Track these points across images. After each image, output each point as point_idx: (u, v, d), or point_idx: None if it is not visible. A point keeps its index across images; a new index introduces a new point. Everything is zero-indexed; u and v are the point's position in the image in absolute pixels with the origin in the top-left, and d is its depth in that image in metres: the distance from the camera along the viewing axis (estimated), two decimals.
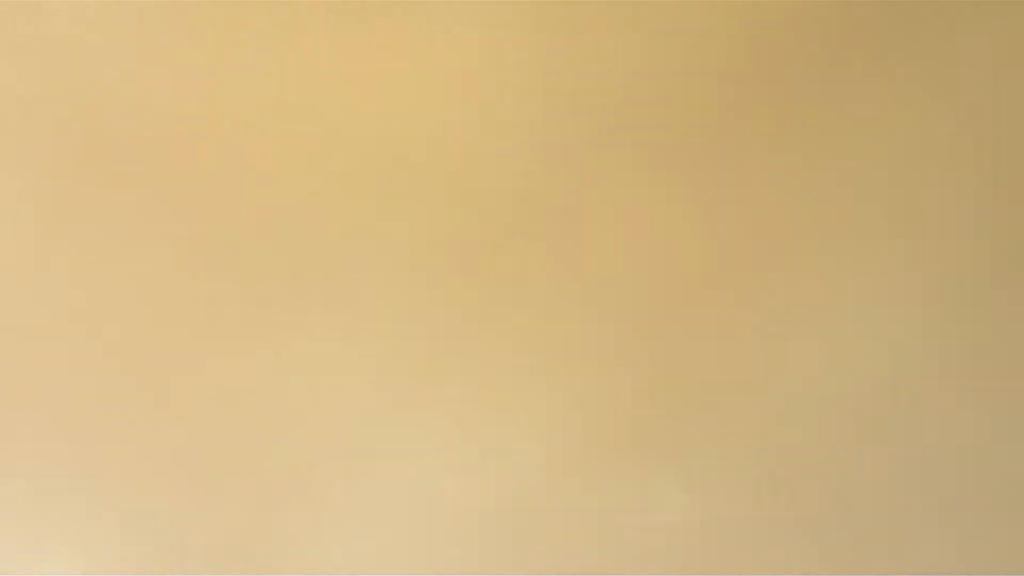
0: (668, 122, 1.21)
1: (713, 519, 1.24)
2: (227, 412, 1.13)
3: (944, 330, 1.23)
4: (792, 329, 1.24)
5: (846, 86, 1.22)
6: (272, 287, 1.13)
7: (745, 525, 1.24)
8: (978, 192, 1.23)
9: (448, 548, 1.18)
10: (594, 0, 1.18)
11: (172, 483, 1.12)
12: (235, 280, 1.12)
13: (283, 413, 1.14)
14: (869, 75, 1.23)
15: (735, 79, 1.22)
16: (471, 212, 1.17)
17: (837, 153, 1.23)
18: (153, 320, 1.11)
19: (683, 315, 1.22)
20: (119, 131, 1.09)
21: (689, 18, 1.20)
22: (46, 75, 1.07)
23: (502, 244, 1.18)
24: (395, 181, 1.15)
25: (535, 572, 1.20)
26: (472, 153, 1.16)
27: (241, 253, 1.12)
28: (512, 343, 1.18)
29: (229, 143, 1.11)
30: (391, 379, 1.16)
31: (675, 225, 1.22)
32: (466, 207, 1.16)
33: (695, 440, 1.23)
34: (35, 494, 1.09)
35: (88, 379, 1.10)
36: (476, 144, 1.16)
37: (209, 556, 1.13)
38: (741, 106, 1.22)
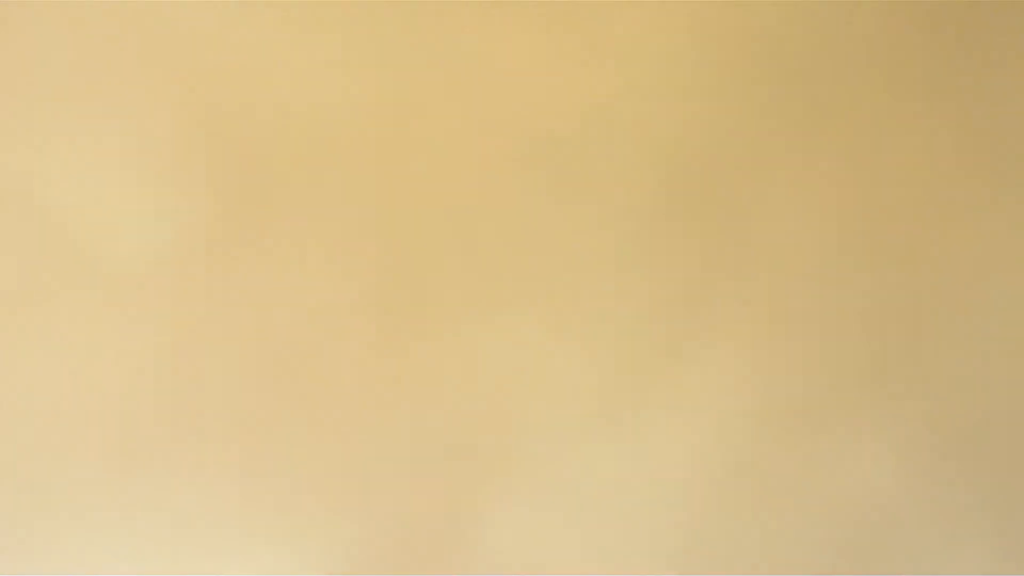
0: (821, 87, 1.20)
1: (916, 483, 1.22)
2: (443, 397, 1.13)
3: None
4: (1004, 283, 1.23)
5: None
6: (459, 273, 1.13)
7: (944, 487, 1.23)
8: None
9: (665, 516, 1.18)
10: None
11: (396, 470, 1.12)
12: (434, 269, 1.12)
13: (496, 396, 1.14)
14: None
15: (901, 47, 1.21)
16: (662, 190, 1.16)
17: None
18: (369, 311, 1.11)
19: (876, 276, 1.21)
20: (297, 130, 1.09)
21: None
22: (201, 85, 1.08)
23: (697, 213, 1.17)
24: (588, 159, 1.15)
25: (751, 534, 1.19)
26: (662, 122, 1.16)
27: (443, 241, 1.12)
28: (714, 313, 1.17)
29: (411, 132, 1.11)
30: (601, 357, 1.16)
31: (846, 184, 1.21)
32: (656, 183, 1.16)
33: (899, 405, 1.22)
34: (271, 493, 1.10)
35: (298, 377, 1.10)
36: (664, 114, 1.16)
37: (430, 541, 1.13)
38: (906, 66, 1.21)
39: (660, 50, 1.16)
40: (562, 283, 1.15)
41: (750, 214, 1.19)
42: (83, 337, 1.06)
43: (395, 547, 1.13)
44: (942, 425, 1.24)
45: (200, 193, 1.07)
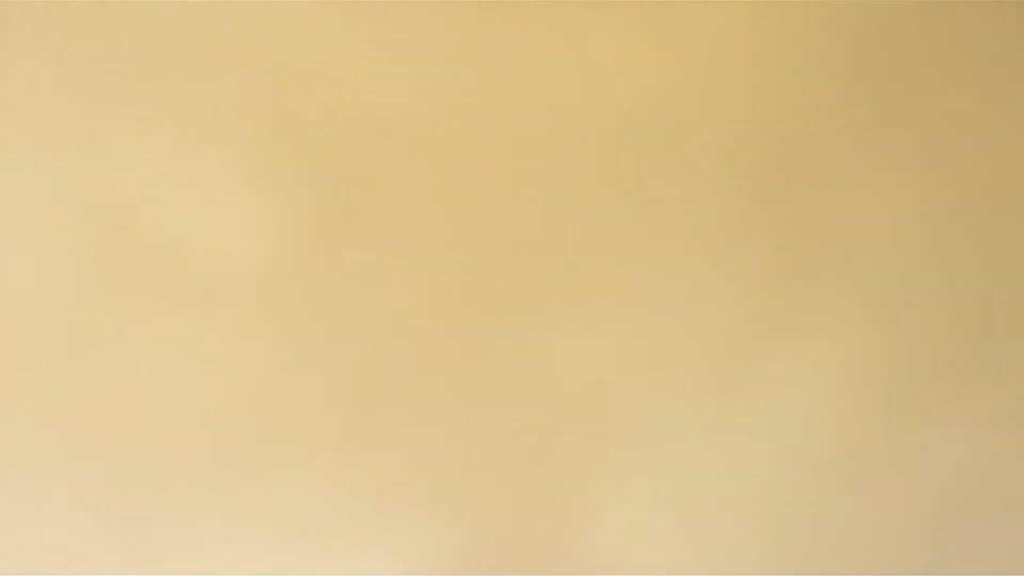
0: (898, 77, 1.19)
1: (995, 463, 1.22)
2: (538, 395, 1.13)
3: None
4: None
5: None
6: (545, 270, 1.13)
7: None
8: None
9: (758, 509, 1.17)
10: None
11: (492, 470, 1.12)
12: (521, 267, 1.12)
13: (587, 391, 1.14)
14: None
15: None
16: (742, 182, 1.16)
17: None
18: (462, 309, 1.11)
19: (963, 263, 1.20)
20: (388, 132, 1.09)
21: None
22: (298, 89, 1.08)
23: (779, 203, 1.17)
24: (664, 153, 1.14)
25: (844, 526, 1.18)
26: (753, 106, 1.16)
27: (526, 239, 1.12)
28: (798, 305, 1.17)
29: (491, 132, 1.11)
30: (687, 350, 1.16)
31: (930, 170, 1.20)
32: (736, 174, 1.16)
33: (991, 392, 1.21)
34: (376, 494, 1.10)
35: (382, 376, 1.11)
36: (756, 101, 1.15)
37: (530, 540, 1.13)
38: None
39: (745, 38, 1.15)
40: (644, 277, 1.15)
41: (833, 204, 1.18)
42: (188, 344, 1.06)
43: (496, 546, 1.13)
44: None
45: (296, 199, 1.07)
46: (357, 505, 1.11)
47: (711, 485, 1.17)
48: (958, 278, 1.21)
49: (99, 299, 1.04)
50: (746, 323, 1.17)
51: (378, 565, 1.11)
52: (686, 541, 1.17)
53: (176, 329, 1.06)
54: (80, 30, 1.02)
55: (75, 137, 1.03)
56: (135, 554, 1.07)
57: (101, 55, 1.03)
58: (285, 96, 1.06)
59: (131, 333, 1.05)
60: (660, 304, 1.15)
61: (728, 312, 1.16)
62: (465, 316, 1.11)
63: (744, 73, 1.15)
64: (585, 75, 1.12)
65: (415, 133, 1.09)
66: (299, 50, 1.06)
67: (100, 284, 1.04)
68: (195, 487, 1.07)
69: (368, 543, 1.11)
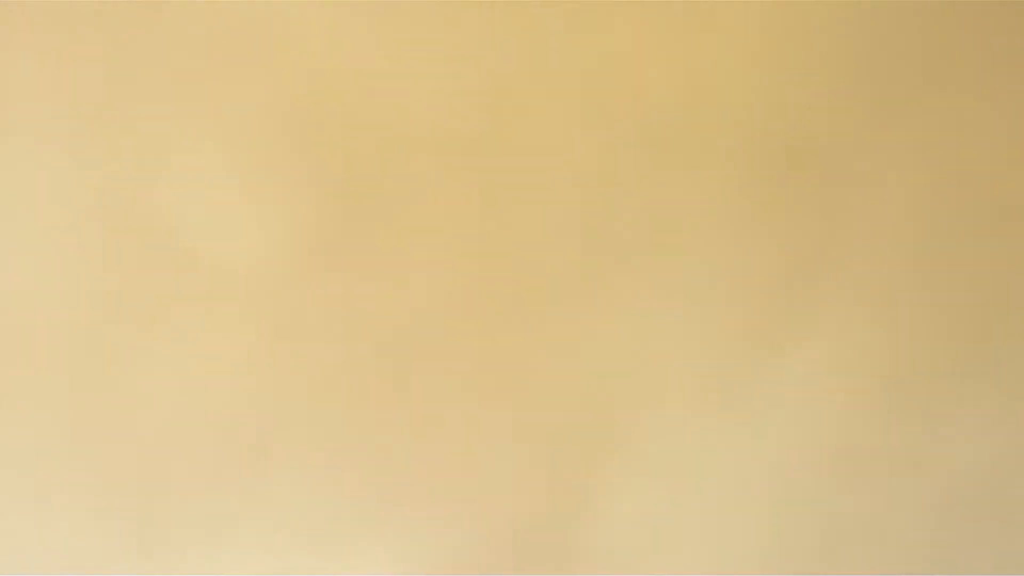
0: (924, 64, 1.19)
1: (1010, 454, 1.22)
2: (551, 387, 1.13)
3: None
4: None
5: None
6: (562, 259, 1.13)
7: None
8: None
9: (755, 509, 1.17)
10: None
11: (507, 464, 1.12)
12: (536, 257, 1.12)
13: (606, 382, 1.14)
14: None
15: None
16: (766, 171, 1.16)
17: None
18: (474, 302, 1.11)
19: (979, 254, 1.20)
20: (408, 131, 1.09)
21: None
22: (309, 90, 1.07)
23: (802, 191, 1.16)
24: (688, 141, 1.14)
25: (864, 513, 1.18)
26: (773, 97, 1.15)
27: (543, 229, 1.12)
28: (822, 291, 1.17)
29: (509, 120, 1.11)
30: (708, 339, 1.15)
31: (948, 163, 1.20)
32: (760, 163, 1.15)
33: (1011, 382, 1.21)
34: (381, 492, 1.10)
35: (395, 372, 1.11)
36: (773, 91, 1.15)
37: (542, 535, 1.13)
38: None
39: (759, 31, 1.15)
40: (665, 265, 1.14)
41: (835, 204, 1.18)
42: (190, 343, 1.06)
43: (498, 546, 1.13)
44: None
45: (299, 199, 1.07)
46: (360, 505, 1.10)
47: (713, 485, 1.17)
48: (959, 278, 1.21)
49: (100, 298, 1.04)
50: (750, 322, 1.17)
51: (381, 565, 1.11)
52: (689, 541, 1.17)
53: (178, 329, 1.06)
54: (81, 30, 1.02)
55: (76, 137, 1.02)
56: (136, 553, 1.07)
57: (101, 55, 1.02)
58: (288, 95, 1.06)
59: (132, 333, 1.05)
60: (665, 304, 1.15)
61: (732, 312, 1.16)
62: (468, 316, 1.11)
63: (747, 73, 1.15)
64: (589, 74, 1.12)
65: (419, 132, 1.09)
66: (301, 49, 1.06)
67: (101, 283, 1.04)
68: (196, 486, 1.07)
69: (372, 543, 1.11)
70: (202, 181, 1.05)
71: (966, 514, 1.23)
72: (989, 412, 1.22)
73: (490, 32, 1.10)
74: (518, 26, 1.10)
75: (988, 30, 1.19)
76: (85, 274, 1.03)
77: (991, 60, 1.20)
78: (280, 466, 1.09)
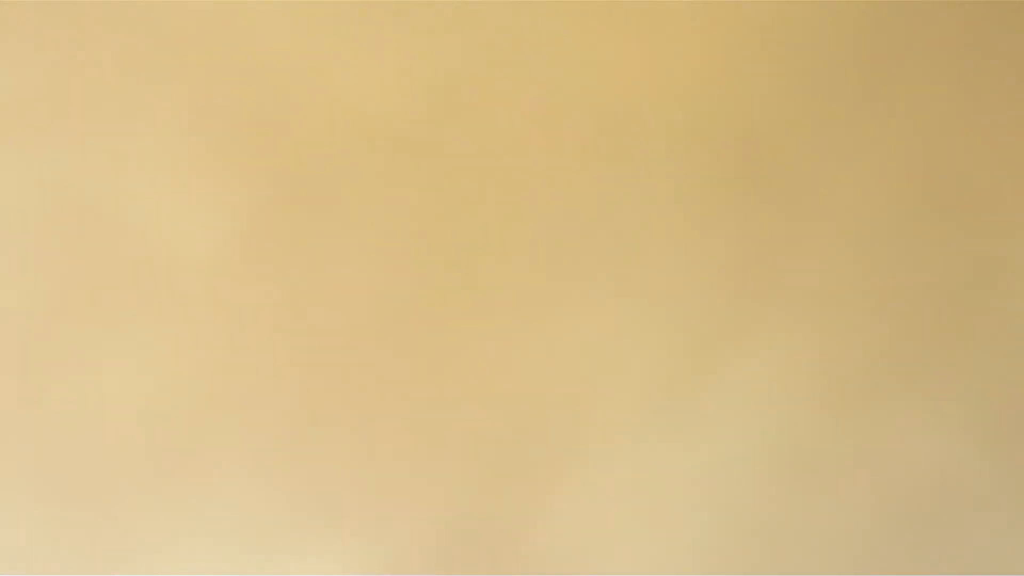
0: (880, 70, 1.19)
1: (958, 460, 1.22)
2: (495, 391, 1.13)
3: None
4: None
5: None
6: (511, 263, 1.13)
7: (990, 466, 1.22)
8: None
9: (716, 509, 1.18)
10: None
11: (447, 468, 1.12)
12: (485, 260, 1.12)
13: (552, 388, 1.13)
14: None
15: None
16: (719, 172, 1.16)
17: None
18: (420, 304, 1.11)
19: (935, 251, 1.20)
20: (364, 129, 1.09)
21: None
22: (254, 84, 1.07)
23: (756, 191, 1.16)
24: (640, 141, 1.14)
25: (812, 508, 1.19)
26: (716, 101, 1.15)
27: (493, 231, 1.12)
28: (775, 295, 1.17)
29: (458, 119, 1.11)
30: (660, 343, 1.16)
31: (906, 158, 1.20)
32: (714, 164, 1.15)
33: (963, 381, 1.22)
34: (318, 493, 1.10)
35: (336, 370, 1.10)
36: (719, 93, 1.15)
37: (482, 540, 1.13)
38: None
39: (714, 31, 1.15)
40: (616, 270, 1.14)
41: (809, 191, 1.18)
42: (141, 339, 1.05)
43: (445, 547, 1.13)
44: (1006, 403, 1.23)
45: (249, 191, 1.06)
46: (305, 507, 1.10)
47: (658, 490, 1.17)
48: (904, 284, 1.21)
49: (49, 294, 1.03)
50: (714, 321, 1.17)
51: (327, 566, 1.10)
52: (633, 544, 1.17)
53: (129, 325, 1.05)
54: (29, 23, 1.01)
55: (23, 130, 1.01)
56: (74, 557, 1.06)
57: (50, 48, 1.01)
58: (239, 90, 1.05)
59: (73, 331, 1.04)
60: (613, 309, 1.15)
61: (680, 318, 1.16)
62: (426, 314, 1.11)
63: (699, 77, 1.15)
64: (543, 73, 1.12)
65: (372, 127, 1.08)
66: (252, 43, 1.05)
67: (51, 278, 1.03)
68: (135, 490, 1.07)
69: (317, 545, 1.10)
70: (148, 176, 1.04)
71: (927, 513, 1.23)
72: (950, 411, 1.23)
73: (444, 28, 1.09)
74: (471, 23, 1.10)
75: (939, 32, 1.19)
76: (34, 267, 1.03)
77: (938, 64, 1.20)
78: (223, 467, 1.08)
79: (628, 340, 1.15)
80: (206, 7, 1.04)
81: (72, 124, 1.03)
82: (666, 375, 1.16)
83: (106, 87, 1.03)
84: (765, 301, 1.18)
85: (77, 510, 1.06)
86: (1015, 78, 1.22)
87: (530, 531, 1.15)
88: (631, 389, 1.15)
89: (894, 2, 1.18)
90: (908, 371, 1.21)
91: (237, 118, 1.06)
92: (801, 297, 1.18)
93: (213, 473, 1.08)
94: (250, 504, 1.09)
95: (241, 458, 1.08)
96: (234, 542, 1.09)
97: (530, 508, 1.14)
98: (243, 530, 1.09)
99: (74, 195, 1.03)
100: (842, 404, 1.20)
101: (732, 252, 1.17)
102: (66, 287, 1.04)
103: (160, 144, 1.04)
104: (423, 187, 1.10)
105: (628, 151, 1.14)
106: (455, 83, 1.10)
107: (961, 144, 1.21)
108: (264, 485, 1.09)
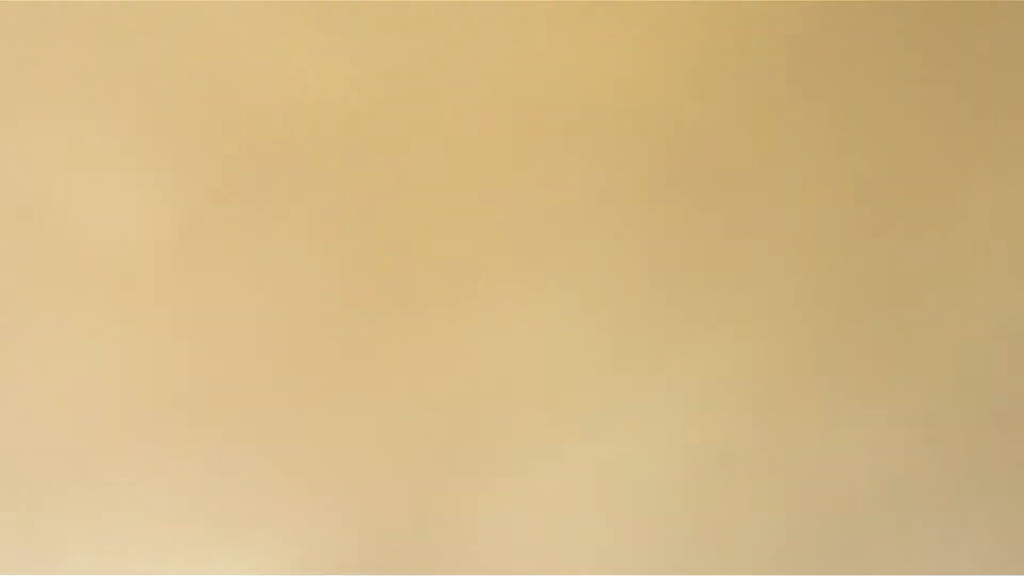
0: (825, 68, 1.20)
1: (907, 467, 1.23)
2: (433, 387, 1.12)
3: None
4: (973, 273, 1.23)
5: None
6: (451, 260, 1.12)
7: (946, 474, 1.23)
8: None
9: (663, 508, 1.18)
10: None
11: (382, 465, 1.11)
12: (428, 256, 1.12)
13: (488, 386, 1.13)
14: None
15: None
16: (660, 175, 1.16)
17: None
18: (361, 301, 1.10)
19: (875, 261, 1.21)
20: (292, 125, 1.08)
21: None
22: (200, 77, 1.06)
23: (696, 196, 1.17)
24: (582, 142, 1.14)
25: (743, 513, 1.19)
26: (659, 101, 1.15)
27: (435, 227, 1.12)
28: (713, 299, 1.17)
29: (406, 115, 1.11)
30: (596, 344, 1.16)
31: (847, 168, 1.20)
32: (655, 168, 1.16)
33: (901, 390, 1.22)
34: (251, 490, 1.09)
35: (280, 370, 1.09)
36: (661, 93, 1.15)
37: (417, 538, 1.12)
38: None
39: (663, 36, 1.15)
40: (555, 270, 1.14)
41: (750, 198, 1.18)
42: (76, 332, 1.04)
43: (379, 545, 1.12)
44: (943, 413, 1.24)
45: (196, 180, 1.06)
46: (229, 502, 1.09)
47: (584, 488, 1.17)
48: (863, 277, 1.21)
49: None
50: (646, 322, 1.17)
51: (249, 565, 1.10)
52: (558, 543, 1.17)
53: (64, 318, 1.04)
54: None
55: None
56: (10, 551, 1.05)
57: None
58: (180, 81, 1.05)
59: (24, 320, 1.03)
60: (545, 307, 1.15)
61: (613, 317, 1.16)
62: (364, 307, 1.10)
63: (637, 77, 1.15)
64: (483, 71, 1.12)
65: (313, 120, 1.08)
66: (195, 33, 1.05)
67: None
68: (71, 483, 1.06)
69: (241, 542, 1.10)
70: (94, 164, 1.04)
71: (864, 516, 1.24)
72: (889, 412, 1.23)
73: (389, 23, 1.09)
74: (417, 17, 1.09)
75: (878, 34, 1.20)
76: None
77: (876, 66, 1.21)
78: (145, 462, 1.07)
79: (561, 339, 1.15)
80: (159, 4, 1.04)
81: (16, 114, 1.02)
82: (598, 375, 1.16)
83: (51, 78, 1.02)
84: (697, 303, 1.18)
85: (6, 508, 1.05)
86: (953, 85, 1.23)
87: (460, 531, 1.14)
88: (563, 389, 1.15)
89: (834, 5, 1.19)
90: (838, 374, 1.22)
91: (185, 107, 1.05)
92: (733, 299, 1.19)
93: (153, 467, 1.07)
94: (180, 498, 1.08)
95: (171, 452, 1.08)
96: (159, 538, 1.08)
97: (461, 508, 1.14)
98: (167, 527, 1.08)
99: (18, 186, 1.02)
100: (772, 406, 1.20)
101: (665, 254, 1.17)
102: (6, 277, 1.03)
103: (106, 132, 1.04)
104: (361, 184, 1.10)
105: (567, 150, 1.14)
106: (406, 74, 1.09)
107: (898, 150, 1.22)
108: (189, 483, 1.08)
